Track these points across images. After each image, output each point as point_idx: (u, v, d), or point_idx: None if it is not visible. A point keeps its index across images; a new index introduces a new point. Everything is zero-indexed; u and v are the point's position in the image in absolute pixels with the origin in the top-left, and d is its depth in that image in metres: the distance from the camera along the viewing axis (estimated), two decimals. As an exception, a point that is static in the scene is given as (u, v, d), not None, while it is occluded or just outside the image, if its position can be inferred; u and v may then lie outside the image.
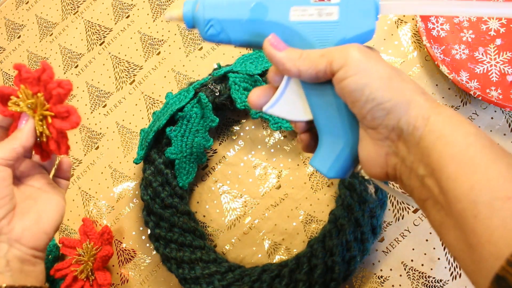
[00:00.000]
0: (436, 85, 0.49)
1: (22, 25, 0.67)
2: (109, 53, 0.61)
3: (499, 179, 0.21)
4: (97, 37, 0.62)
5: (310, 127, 0.31)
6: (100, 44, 0.62)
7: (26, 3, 0.67)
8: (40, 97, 0.34)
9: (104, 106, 0.59)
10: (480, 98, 0.43)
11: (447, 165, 0.22)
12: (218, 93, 0.49)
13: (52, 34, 0.64)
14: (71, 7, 0.65)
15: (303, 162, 0.50)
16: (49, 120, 0.34)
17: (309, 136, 0.31)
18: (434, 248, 0.45)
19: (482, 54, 0.48)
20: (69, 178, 0.41)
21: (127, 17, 0.61)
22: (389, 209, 0.47)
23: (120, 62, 0.60)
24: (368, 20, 0.27)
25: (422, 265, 0.45)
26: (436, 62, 0.45)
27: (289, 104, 0.30)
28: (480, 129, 0.24)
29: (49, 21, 0.65)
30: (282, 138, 0.51)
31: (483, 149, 0.22)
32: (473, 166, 0.22)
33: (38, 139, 0.36)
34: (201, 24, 0.29)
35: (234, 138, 0.52)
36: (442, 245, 0.44)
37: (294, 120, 0.30)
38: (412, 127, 0.24)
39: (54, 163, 0.40)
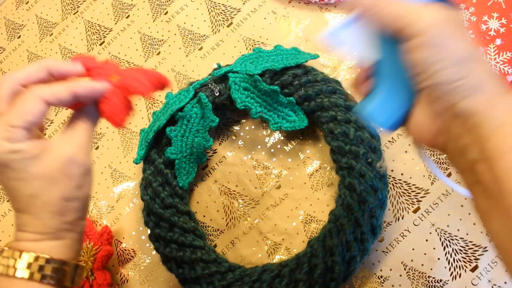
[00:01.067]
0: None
1: (22, 25, 0.67)
2: (109, 53, 0.61)
3: None
4: (97, 37, 0.62)
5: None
6: (100, 44, 0.62)
7: (26, 3, 0.67)
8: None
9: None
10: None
11: (506, 154, 0.21)
12: (218, 93, 0.49)
13: (52, 34, 0.65)
14: (71, 7, 0.65)
15: (303, 162, 0.50)
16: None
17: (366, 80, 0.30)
18: (434, 248, 0.45)
19: (482, 54, 0.48)
20: None
21: (127, 17, 0.61)
22: (389, 209, 0.47)
23: (120, 62, 0.60)
24: None
25: (422, 265, 0.45)
26: None
27: (359, 34, 0.28)
28: None
29: (49, 21, 0.65)
30: (282, 138, 0.51)
31: None
32: None
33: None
34: None
35: (234, 138, 0.52)
36: (442, 245, 0.44)
37: (358, 53, 0.29)
38: (473, 111, 0.23)
39: None
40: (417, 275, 0.45)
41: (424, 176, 0.46)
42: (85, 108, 0.32)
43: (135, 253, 0.52)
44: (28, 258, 0.29)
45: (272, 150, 0.51)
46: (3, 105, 0.29)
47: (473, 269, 0.43)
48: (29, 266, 0.28)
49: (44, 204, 0.30)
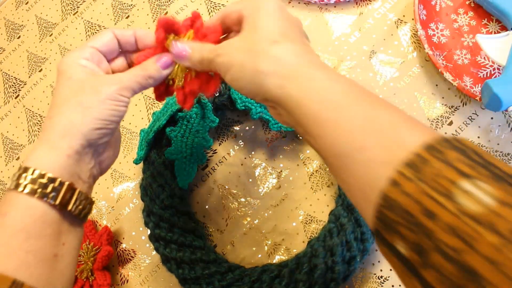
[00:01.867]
0: (436, 85, 0.49)
1: (22, 25, 0.67)
2: (109, 53, 0.61)
3: (354, 132, 0.24)
4: (97, 37, 0.62)
5: None
6: (100, 44, 0.62)
7: (26, 3, 0.67)
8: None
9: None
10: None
11: (311, 127, 0.26)
12: (218, 93, 0.49)
13: (52, 34, 0.64)
14: (71, 7, 0.65)
15: (303, 162, 0.50)
16: (192, 74, 0.35)
17: None
18: (434, 248, 0.45)
19: (484, 58, 0.48)
20: None
21: (127, 17, 0.61)
22: (389, 209, 0.47)
23: (120, 62, 0.60)
24: None
25: (422, 265, 0.45)
26: (439, 70, 0.45)
27: (502, 46, 0.44)
28: (330, 85, 0.26)
29: (49, 21, 0.65)
30: (282, 138, 0.51)
31: (336, 109, 0.25)
32: (331, 124, 0.25)
33: (168, 82, 0.37)
34: None
35: (234, 138, 0.52)
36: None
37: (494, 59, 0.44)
38: (274, 97, 0.28)
39: None
40: (417, 275, 0.45)
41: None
42: (144, 62, 0.35)
43: (135, 253, 0.52)
44: (28, 172, 0.29)
45: (272, 150, 0.51)
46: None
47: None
48: (26, 178, 0.29)
49: (62, 105, 0.31)
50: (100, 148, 0.34)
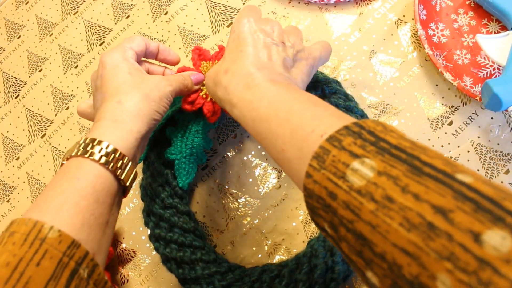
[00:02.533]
0: (436, 85, 0.49)
1: (22, 25, 0.67)
2: (109, 53, 0.61)
3: (275, 139, 0.30)
4: (97, 37, 0.62)
5: None
6: (100, 44, 0.62)
7: (26, 3, 0.67)
8: None
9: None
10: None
11: (253, 135, 0.33)
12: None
13: (52, 34, 0.64)
14: (71, 7, 0.65)
15: (303, 162, 0.50)
16: None
17: None
18: (434, 248, 0.45)
19: (484, 58, 0.48)
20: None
21: (127, 17, 0.61)
22: (389, 209, 0.47)
23: (120, 62, 0.60)
24: None
25: (422, 265, 0.45)
26: (439, 70, 0.45)
27: (502, 46, 0.44)
28: (258, 105, 0.32)
29: (49, 21, 0.65)
30: (282, 138, 0.51)
31: (262, 122, 0.31)
32: (261, 136, 0.31)
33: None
34: None
35: (234, 138, 0.52)
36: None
37: (495, 60, 0.44)
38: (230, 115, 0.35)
39: None
40: (417, 275, 0.45)
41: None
42: (183, 72, 0.44)
43: (135, 253, 0.52)
44: (102, 145, 0.33)
45: (272, 150, 0.51)
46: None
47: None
48: (100, 150, 0.33)
49: (128, 92, 0.36)
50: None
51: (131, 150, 0.35)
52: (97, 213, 0.31)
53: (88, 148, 0.33)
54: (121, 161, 0.33)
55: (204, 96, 0.46)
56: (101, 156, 0.32)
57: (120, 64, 0.38)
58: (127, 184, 0.34)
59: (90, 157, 0.32)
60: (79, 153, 0.33)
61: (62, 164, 0.34)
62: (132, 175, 0.35)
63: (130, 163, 0.34)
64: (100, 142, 0.33)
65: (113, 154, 0.33)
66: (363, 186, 0.22)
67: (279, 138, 0.29)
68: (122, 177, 0.34)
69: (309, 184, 0.25)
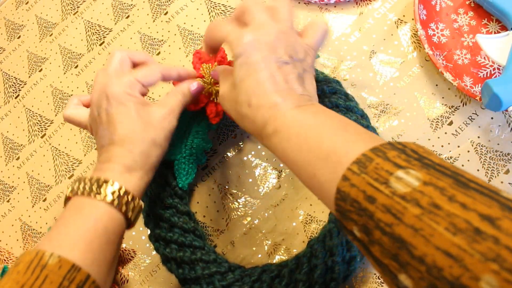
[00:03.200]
0: (436, 85, 0.49)
1: (22, 25, 0.67)
2: (109, 53, 0.61)
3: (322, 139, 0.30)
4: (97, 37, 0.62)
5: None
6: (100, 44, 0.62)
7: (26, 3, 0.67)
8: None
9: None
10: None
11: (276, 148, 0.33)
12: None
13: (52, 34, 0.65)
14: (71, 7, 0.65)
15: (303, 162, 0.50)
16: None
17: None
18: (434, 248, 0.45)
19: (484, 58, 0.48)
20: None
21: (127, 17, 0.61)
22: (389, 209, 0.47)
23: (120, 62, 0.60)
24: None
25: (422, 265, 0.45)
26: (439, 70, 0.45)
27: (502, 46, 0.44)
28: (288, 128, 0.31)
29: (49, 21, 0.65)
30: (282, 138, 0.51)
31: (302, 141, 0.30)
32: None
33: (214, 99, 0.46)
34: None
35: (234, 138, 0.52)
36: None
37: (494, 59, 0.44)
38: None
39: None
40: (417, 275, 0.45)
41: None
42: (180, 85, 0.43)
43: (135, 253, 0.52)
44: (114, 186, 0.35)
45: (272, 150, 0.51)
46: (127, 67, 0.41)
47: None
48: (113, 193, 0.35)
49: (138, 141, 0.38)
50: None
51: (141, 192, 0.38)
52: (107, 252, 0.34)
53: (101, 189, 0.35)
54: (132, 203, 0.36)
55: (207, 94, 0.46)
56: (114, 199, 0.35)
57: (128, 103, 0.38)
58: (134, 223, 0.37)
59: (105, 200, 0.34)
60: (92, 194, 0.35)
61: (69, 197, 0.36)
62: (139, 215, 0.38)
63: (141, 204, 0.37)
64: (113, 183, 0.35)
65: (126, 197, 0.36)
66: (408, 192, 0.22)
67: (310, 165, 0.29)
68: (131, 217, 0.36)
69: (345, 187, 0.25)
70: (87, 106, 0.44)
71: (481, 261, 0.18)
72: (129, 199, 0.36)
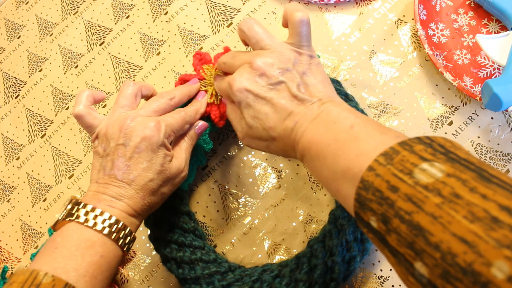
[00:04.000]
0: (436, 85, 0.49)
1: (22, 25, 0.67)
2: (109, 53, 0.61)
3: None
4: (97, 37, 0.62)
5: None
6: (100, 44, 0.62)
7: (26, 3, 0.67)
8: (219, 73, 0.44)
9: (104, 106, 0.59)
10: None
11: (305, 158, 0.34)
12: (218, 93, 0.49)
13: (52, 34, 0.65)
14: (71, 7, 0.65)
15: (303, 162, 0.50)
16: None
17: None
18: (434, 248, 0.45)
19: (484, 58, 0.48)
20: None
21: (127, 17, 0.61)
22: (389, 209, 0.47)
23: (120, 63, 0.60)
24: None
25: (422, 265, 0.45)
26: (439, 70, 0.45)
27: (502, 46, 0.44)
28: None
29: (49, 21, 0.65)
30: (282, 138, 0.51)
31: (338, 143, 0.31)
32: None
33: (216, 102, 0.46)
34: None
35: (234, 138, 0.52)
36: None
37: (494, 59, 0.44)
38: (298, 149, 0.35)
39: None
40: (417, 275, 0.45)
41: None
42: (188, 131, 0.43)
43: (135, 253, 0.52)
44: (111, 218, 0.35)
45: (272, 150, 0.51)
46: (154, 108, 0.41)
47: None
48: (118, 231, 0.36)
49: (153, 193, 0.38)
50: None
51: (134, 225, 0.38)
52: (105, 279, 0.35)
53: (92, 218, 0.35)
54: (123, 232, 0.36)
55: (209, 98, 0.46)
56: (113, 232, 0.35)
57: (159, 153, 0.38)
58: (127, 251, 0.38)
59: (101, 231, 0.35)
60: (89, 223, 0.35)
61: (62, 220, 0.36)
62: (133, 243, 0.38)
63: (133, 234, 0.38)
64: (102, 212, 0.35)
65: (128, 237, 0.37)
66: (431, 183, 0.23)
67: (333, 182, 0.30)
68: (125, 247, 0.37)
69: (369, 177, 0.26)
70: (98, 102, 0.42)
71: (495, 248, 0.19)
72: (130, 238, 0.37)
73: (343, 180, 0.29)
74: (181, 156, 0.41)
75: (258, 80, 0.35)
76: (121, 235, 0.36)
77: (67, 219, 0.35)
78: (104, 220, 0.35)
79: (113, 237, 0.35)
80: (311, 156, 0.33)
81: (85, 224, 0.35)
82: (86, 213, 0.35)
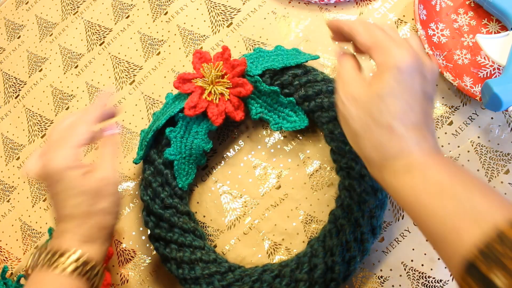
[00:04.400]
0: (436, 85, 0.49)
1: (22, 25, 0.67)
2: (109, 53, 0.61)
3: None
4: (97, 37, 0.62)
5: None
6: (100, 44, 0.62)
7: (26, 3, 0.67)
8: (218, 72, 0.46)
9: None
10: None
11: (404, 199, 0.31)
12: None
13: (52, 34, 0.65)
14: (71, 7, 0.65)
15: (303, 162, 0.50)
16: (226, 97, 0.46)
17: None
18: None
19: (484, 58, 0.48)
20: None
21: (127, 17, 0.61)
22: (389, 209, 0.47)
23: (120, 62, 0.60)
24: None
25: (422, 265, 0.45)
26: (439, 70, 0.45)
27: (502, 46, 0.44)
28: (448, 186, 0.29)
29: (49, 21, 0.65)
30: (282, 138, 0.51)
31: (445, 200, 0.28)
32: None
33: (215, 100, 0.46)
34: None
35: (234, 138, 0.52)
36: (442, 245, 0.44)
37: (494, 59, 0.44)
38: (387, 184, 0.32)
39: None
40: (417, 275, 0.45)
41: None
42: (106, 136, 0.42)
43: (135, 253, 0.52)
44: (73, 256, 0.35)
45: (272, 150, 0.51)
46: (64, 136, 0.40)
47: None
48: (74, 262, 0.35)
49: (90, 214, 0.37)
50: None
51: (101, 258, 0.38)
52: None
53: (63, 259, 0.35)
54: (95, 270, 0.37)
55: (207, 97, 0.46)
56: (84, 271, 0.36)
57: (67, 178, 0.37)
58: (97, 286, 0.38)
59: (66, 271, 0.35)
60: (53, 266, 0.35)
61: (28, 272, 0.36)
62: (102, 279, 0.38)
63: (103, 268, 0.38)
64: (75, 252, 0.36)
65: (88, 265, 0.36)
66: None
67: (451, 217, 0.27)
68: (95, 285, 0.37)
69: (509, 231, 0.24)
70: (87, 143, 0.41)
71: None
72: (92, 268, 0.36)
73: (470, 222, 0.26)
74: (104, 165, 0.39)
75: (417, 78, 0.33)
76: (82, 267, 0.36)
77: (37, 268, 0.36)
78: (61, 255, 0.36)
79: (72, 270, 0.35)
80: (424, 178, 0.29)
81: (46, 267, 0.35)
82: (46, 256, 0.36)
